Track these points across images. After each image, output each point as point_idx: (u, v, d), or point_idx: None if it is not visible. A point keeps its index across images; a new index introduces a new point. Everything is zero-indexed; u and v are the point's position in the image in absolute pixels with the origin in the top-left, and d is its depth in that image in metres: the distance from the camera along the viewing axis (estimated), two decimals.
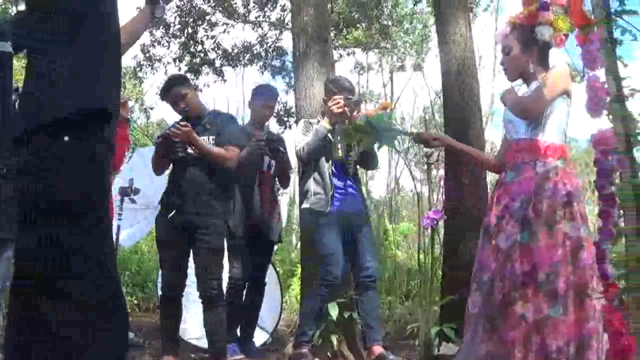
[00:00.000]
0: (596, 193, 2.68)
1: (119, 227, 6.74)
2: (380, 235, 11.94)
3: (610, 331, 2.40)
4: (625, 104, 2.32)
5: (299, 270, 8.22)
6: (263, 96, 6.26)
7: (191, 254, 5.06)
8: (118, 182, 7.02)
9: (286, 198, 19.66)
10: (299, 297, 7.84)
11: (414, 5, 15.96)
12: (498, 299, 3.39)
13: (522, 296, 3.31)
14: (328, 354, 5.42)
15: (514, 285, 3.34)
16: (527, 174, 3.50)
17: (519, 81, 3.79)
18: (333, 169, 5.42)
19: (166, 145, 5.08)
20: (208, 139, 5.13)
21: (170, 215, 4.98)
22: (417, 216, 8.11)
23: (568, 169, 3.53)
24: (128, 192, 6.73)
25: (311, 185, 5.38)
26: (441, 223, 5.64)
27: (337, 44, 14.17)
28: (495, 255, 3.46)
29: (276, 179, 6.25)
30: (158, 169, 5.48)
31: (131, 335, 5.93)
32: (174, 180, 5.18)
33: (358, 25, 14.77)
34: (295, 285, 9.45)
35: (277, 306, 6.68)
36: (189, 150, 5.03)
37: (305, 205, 5.42)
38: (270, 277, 6.37)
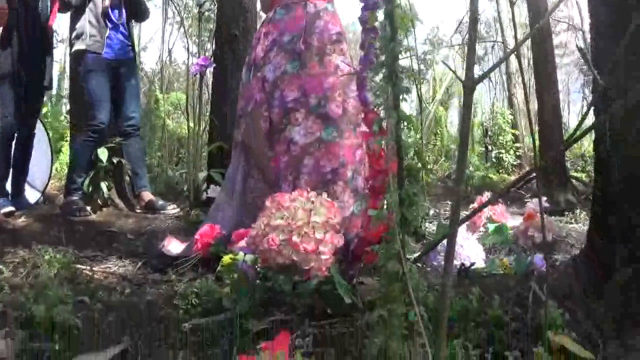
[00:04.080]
0: None
1: None
2: (152, 104, 11.92)
3: (369, 155, 2.54)
4: None
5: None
6: None
7: None
8: None
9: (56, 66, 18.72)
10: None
11: None
12: (264, 127, 3.52)
13: (292, 121, 3.47)
14: (99, 201, 5.38)
15: (283, 112, 3.49)
16: (297, 13, 3.62)
17: None
18: (110, 12, 5.31)
19: None
20: None
21: None
22: (187, 87, 8.23)
23: (336, 13, 3.73)
24: None
25: (87, 27, 5.22)
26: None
27: None
28: (262, 86, 3.57)
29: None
30: None
31: None
32: None
33: None
34: (66, 149, 9.18)
35: (48, 169, 6.46)
36: None
37: (80, 46, 5.26)
38: (41, 141, 6.12)
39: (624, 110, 1.91)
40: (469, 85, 1.16)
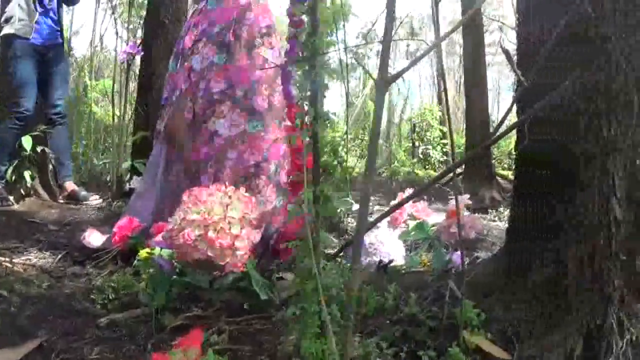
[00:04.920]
0: None
1: None
2: (80, 91, 11.68)
3: (291, 149, 2.53)
4: None
5: None
6: None
7: None
8: None
9: None
10: None
11: None
12: (188, 118, 3.47)
13: (216, 113, 3.41)
14: (22, 191, 5.25)
15: (208, 103, 3.43)
16: (228, 4, 3.57)
17: None
18: None
19: None
20: None
21: None
22: (114, 74, 8.10)
23: (267, 6, 3.70)
24: None
25: (16, 10, 5.07)
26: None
27: None
28: (187, 76, 3.52)
29: None
30: None
31: None
32: None
33: None
34: None
35: None
36: None
37: (8, 30, 5.09)
38: None
39: (545, 110, 1.92)
40: (382, 84, 1.14)
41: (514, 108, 2.21)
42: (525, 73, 1.89)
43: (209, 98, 3.43)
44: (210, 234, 2.20)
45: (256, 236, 2.33)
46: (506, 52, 1.76)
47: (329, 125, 1.52)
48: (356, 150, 11.83)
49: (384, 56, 1.16)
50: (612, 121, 1.93)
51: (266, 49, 3.54)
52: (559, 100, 1.93)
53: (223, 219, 2.22)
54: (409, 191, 3.48)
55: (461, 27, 7.18)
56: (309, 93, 1.50)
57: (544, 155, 2.03)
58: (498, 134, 2.07)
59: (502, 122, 2.48)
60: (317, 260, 1.46)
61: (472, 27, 7.01)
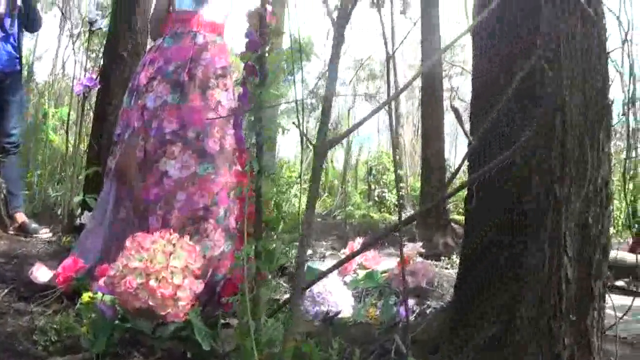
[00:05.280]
0: None
1: None
2: (39, 117, 11.56)
3: (237, 194, 2.51)
4: None
5: None
6: None
7: None
8: None
9: None
10: None
11: None
12: (139, 157, 3.42)
13: (167, 153, 3.37)
14: None
15: (160, 143, 3.39)
16: (185, 43, 3.56)
17: None
18: (2, 20, 5.07)
19: None
20: None
21: None
22: (70, 103, 8.01)
23: (224, 47, 3.70)
24: None
25: None
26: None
27: None
28: (141, 114, 3.48)
29: None
30: None
31: None
32: None
33: None
34: None
35: None
36: None
37: None
38: None
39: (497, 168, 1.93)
40: (320, 149, 1.13)
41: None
42: (479, 124, 1.90)
43: (160, 138, 3.39)
44: (152, 282, 2.16)
45: (199, 286, 2.28)
46: (455, 111, 1.77)
47: (270, 178, 1.50)
48: None
49: (324, 121, 1.15)
50: (565, 178, 1.94)
51: (220, 90, 3.52)
52: (512, 158, 1.94)
53: (165, 268, 2.18)
54: (359, 240, 3.46)
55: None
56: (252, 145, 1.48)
57: (495, 212, 2.04)
58: (450, 191, 2.06)
59: (456, 172, 2.48)
60: (258, 316, 1.43)
61: (430, 73, 7.06)
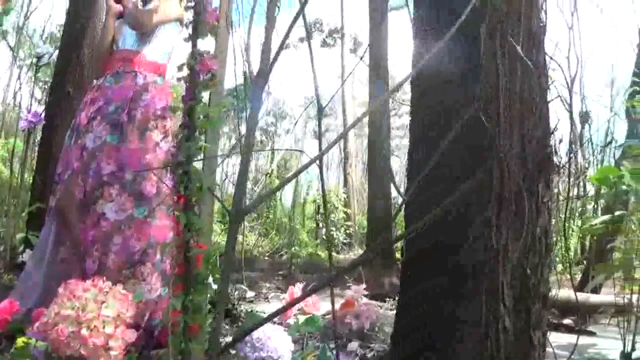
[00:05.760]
0: None
1: None
2: None
3: (175, 231, 2.47)
4: None
5: None
6: None
7: None
8: None
9: None
10: None
11: None
12: (78, 197, 3.36)
13: (104, 195, 3.32)
14: None
15: (98, 184, 3.34)
16: (126, 82, 3.53)
17: None
18: None
19: None
20: None
21: None
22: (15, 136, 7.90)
23: (165, 87, 3.67)
24: None
25: None
26: None
27: None
28: (80, 154, 3.43)
29: None
30: None
31: None
32: None
33: None
34: None
35: None
36: None
37: None
38: None
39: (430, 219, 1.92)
40: (236, 218, 1.10)
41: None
42: (417, 173, 1.90)
43: (98, 179, 3.34)
44: (84, 331, 2.10)
45: (131, 336, 2.23)
46: (385, 161, 1.75)
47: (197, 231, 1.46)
48: (259, 229, 11.76)
49: (240, 189, 1.12)
50: (502, 228, 1.94)
51: (159, 132, 3.48)
52: (449, 208, 1.93)
53: (97, 317, 2.13)
54: (299, 286, 3.42)
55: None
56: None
57: (431, 263, 2.03)
58: (393, 239, 2.05)
59: (396, 215, 2.48)
60: None
61: (377, 113, 7.11)
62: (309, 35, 1.77)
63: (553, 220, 2.14)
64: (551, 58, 2.19)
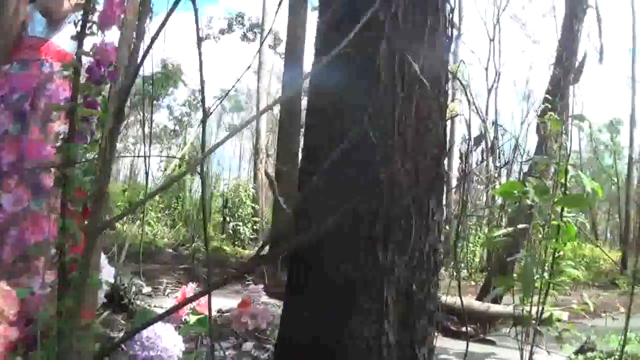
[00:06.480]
0: None
1: None
2: None
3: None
4: None
5: None
6: None
7: None
8: None
9: None
10: None
11: None
12: None
13: (3, 186, 3.25)
14: None
15: None
16: (32, 71, 3.45)
17: None
18: None
19: None
20: None
21: None
22: None
23: (69, 78, 3.59)
24: None
25: None
26: None
27: None
28: None
29: None
30: None
31: None
32: None
33: None
34: None
35: None
36: None
37: None
38: None
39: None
40: (92, 235, 1.08)
41: None
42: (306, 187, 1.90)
43: None
44: None
45: (14, 333, 2.16)
46: (268, 175, 1.76)
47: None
48: (165, 220, 11.59)
49: (98, 198, 1.11)
50: (389, 245, 1.95)
51: (62, 123, 3.38)
52: (337, 223, 1.93)
53: None
54: (192, 285, 3.39)
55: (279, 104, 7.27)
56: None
57: (319, 280, 2.02)
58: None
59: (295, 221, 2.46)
60: None
61: (288, 104, 7.10)
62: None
63: (443, 237, 2.17)
64: (457, 78, 2.22)
